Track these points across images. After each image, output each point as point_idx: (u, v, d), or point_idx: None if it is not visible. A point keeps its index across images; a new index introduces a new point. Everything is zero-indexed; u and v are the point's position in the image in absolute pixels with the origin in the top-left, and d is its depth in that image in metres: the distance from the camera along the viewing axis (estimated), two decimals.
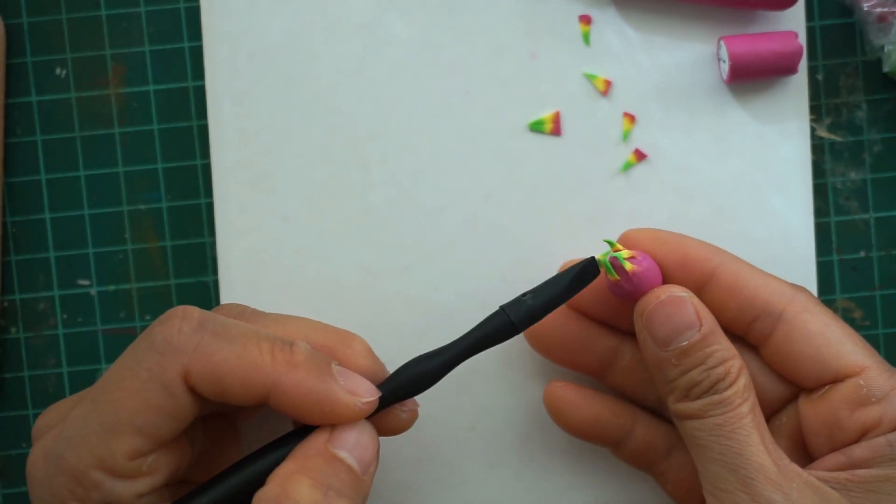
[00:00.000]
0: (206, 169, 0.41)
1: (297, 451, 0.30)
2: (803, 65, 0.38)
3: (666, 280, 0.34)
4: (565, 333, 0.36)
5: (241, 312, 0.34)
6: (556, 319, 0.36)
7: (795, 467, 0.31)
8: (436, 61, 0.39)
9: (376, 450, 0.31)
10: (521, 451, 0.39)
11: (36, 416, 0.41)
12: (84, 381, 0.41)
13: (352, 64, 0.39)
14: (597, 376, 0.37)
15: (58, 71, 0.41)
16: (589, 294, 0.35)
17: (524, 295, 0.33)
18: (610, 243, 0.34)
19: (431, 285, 0.39)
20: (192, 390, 0.30)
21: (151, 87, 0.41)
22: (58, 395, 0.41)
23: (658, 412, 0.36)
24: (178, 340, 0.29)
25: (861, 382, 0.32)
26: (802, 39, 0.38)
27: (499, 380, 0.39)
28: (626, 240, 0.35)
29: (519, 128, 0.39)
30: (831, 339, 0.32)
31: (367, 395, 0.31)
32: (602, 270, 0.34)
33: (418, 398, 0.33)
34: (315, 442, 0.30)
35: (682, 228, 0.38)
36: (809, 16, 0.40)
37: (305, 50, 0.39)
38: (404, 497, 0.39)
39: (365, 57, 0.39)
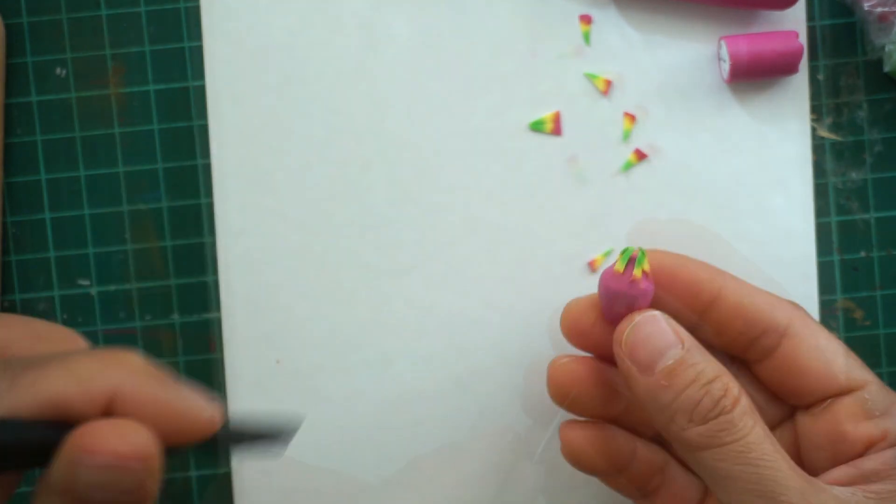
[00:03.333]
0: (206, 169, 0.41)
1: None
2: (804, 64, 0.38)
3: (672, 301, 0.33)
4: (592, 383, 0.34)
5: None
6: (582, 368, 0.34)
7: (820, 483, 0.30)
8: (436, 61, 0.39)
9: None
10: (522, 450, 0.39)
11: None
12: None
13: (352, 63, 0.39)
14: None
15: (58, 71, 0.41)
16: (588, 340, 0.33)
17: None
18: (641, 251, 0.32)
19: (431, 285, 0.39)
20: None
21: (151, 87, 0.41)
22: None
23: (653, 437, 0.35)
24: None
25: (866, 396, 0.31)
26: (803, 39, 0.38)
27: (500, 378, 0.39)
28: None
29: (519, 127, 0.39)
30: (838, 353, 0.32)
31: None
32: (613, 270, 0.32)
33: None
34: None
35: (682, 228, 0.38)
36: (810, 15, 0.40)
37: (305, 50, 0.39)
38: (403, 495, 0.39)
39: (365, 56, 0.39)
